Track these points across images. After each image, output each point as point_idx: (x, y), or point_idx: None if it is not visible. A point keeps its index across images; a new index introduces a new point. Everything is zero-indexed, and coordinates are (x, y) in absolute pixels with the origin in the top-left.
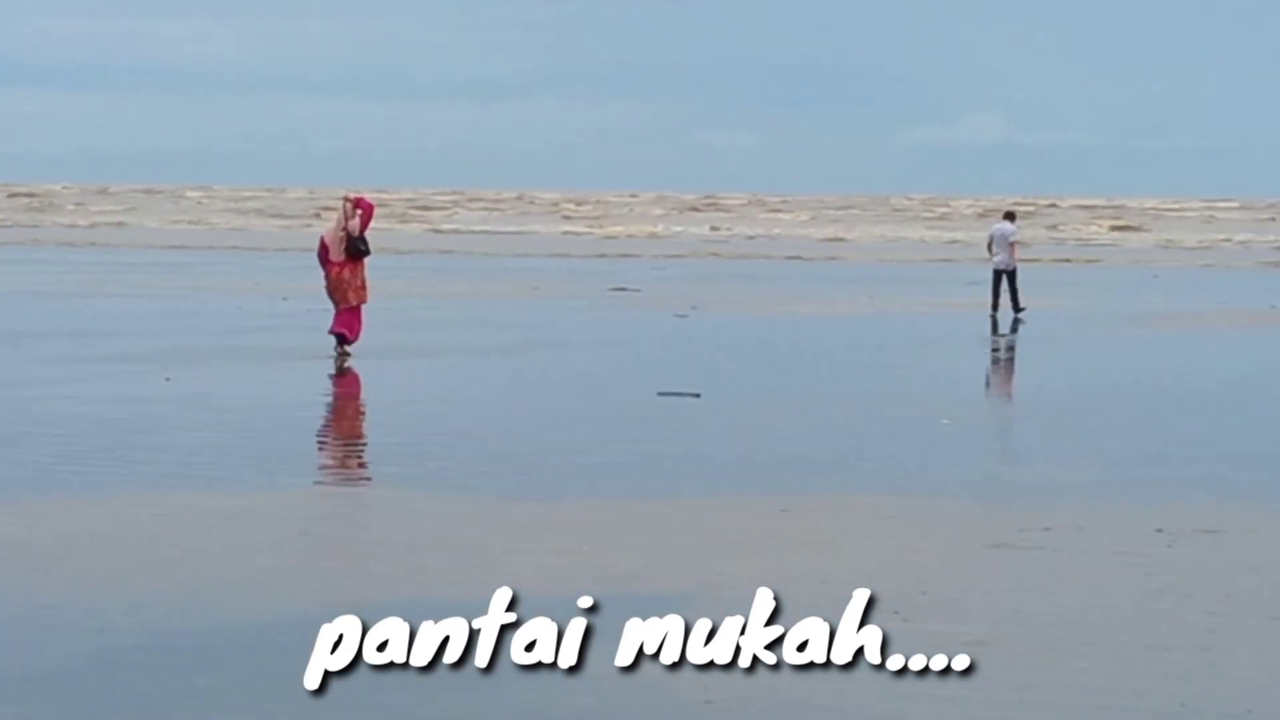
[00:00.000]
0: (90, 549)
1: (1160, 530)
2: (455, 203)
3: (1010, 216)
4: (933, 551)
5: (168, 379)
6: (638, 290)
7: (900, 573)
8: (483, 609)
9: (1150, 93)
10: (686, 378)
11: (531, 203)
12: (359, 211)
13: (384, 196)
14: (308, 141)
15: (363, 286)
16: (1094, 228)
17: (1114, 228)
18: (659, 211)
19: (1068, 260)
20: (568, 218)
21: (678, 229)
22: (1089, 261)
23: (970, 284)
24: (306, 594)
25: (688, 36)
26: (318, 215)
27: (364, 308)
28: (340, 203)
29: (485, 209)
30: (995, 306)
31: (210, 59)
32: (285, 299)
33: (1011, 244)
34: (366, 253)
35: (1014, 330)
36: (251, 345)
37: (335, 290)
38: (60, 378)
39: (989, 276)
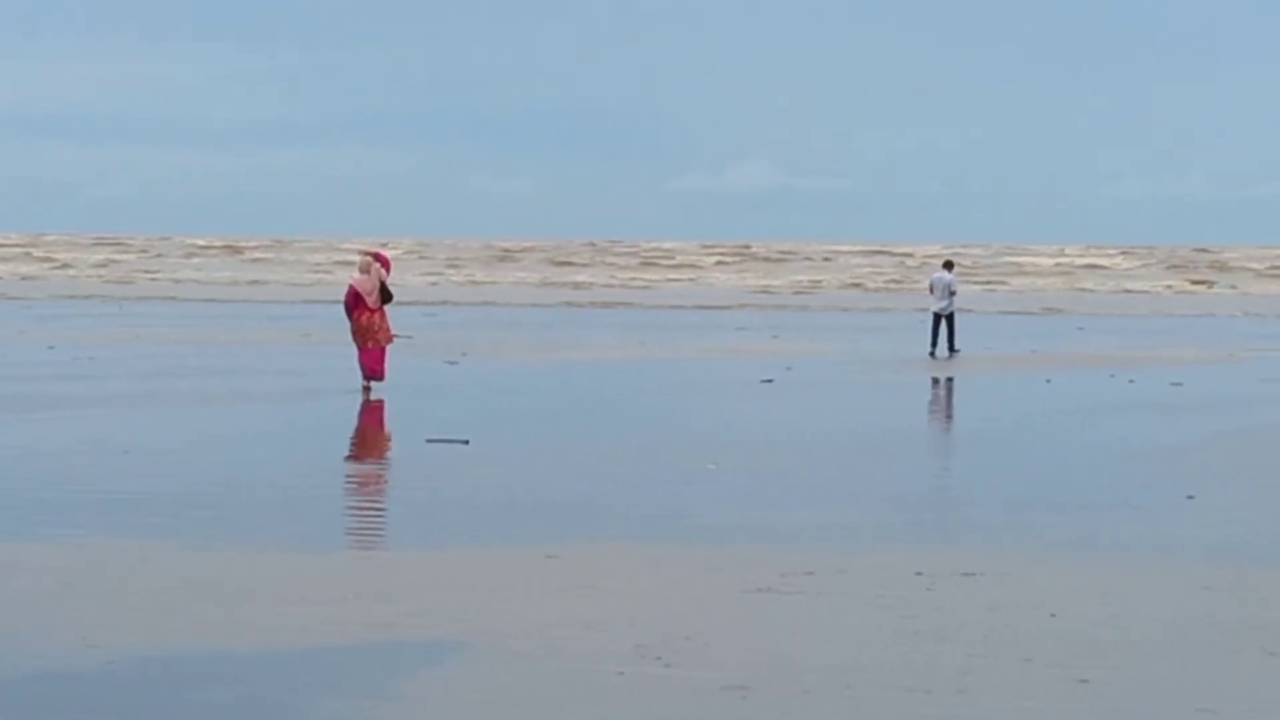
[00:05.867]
0: None
1: (920, 573)
2: (227, 248)
3: (949, 265)
4: (696, 596)
5: None
6: (409, 337)
7: (663, 618)
8: (245, 658)
9: (919, 139)
10: (456, 424)
11: (304, 249)
12: (378, 264)
13: (153, 243)
14: (75, 188)
15: (389, 329)
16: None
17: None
18: (422, 259)
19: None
20: (345, 264)
21: (447, 275)
22: (873, 310)
23: (739, 329)
24: (66, 647)
25: (455, 83)
26: (110, 263)
27: (389, 347)
28: (362, 257)
29: (256, 257)
30: (934, 345)
31: None
32: (51, 347)
33: (952, 292)
34: (391, 299)
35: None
36: (16, 393)
37: (364, 334)
38: None
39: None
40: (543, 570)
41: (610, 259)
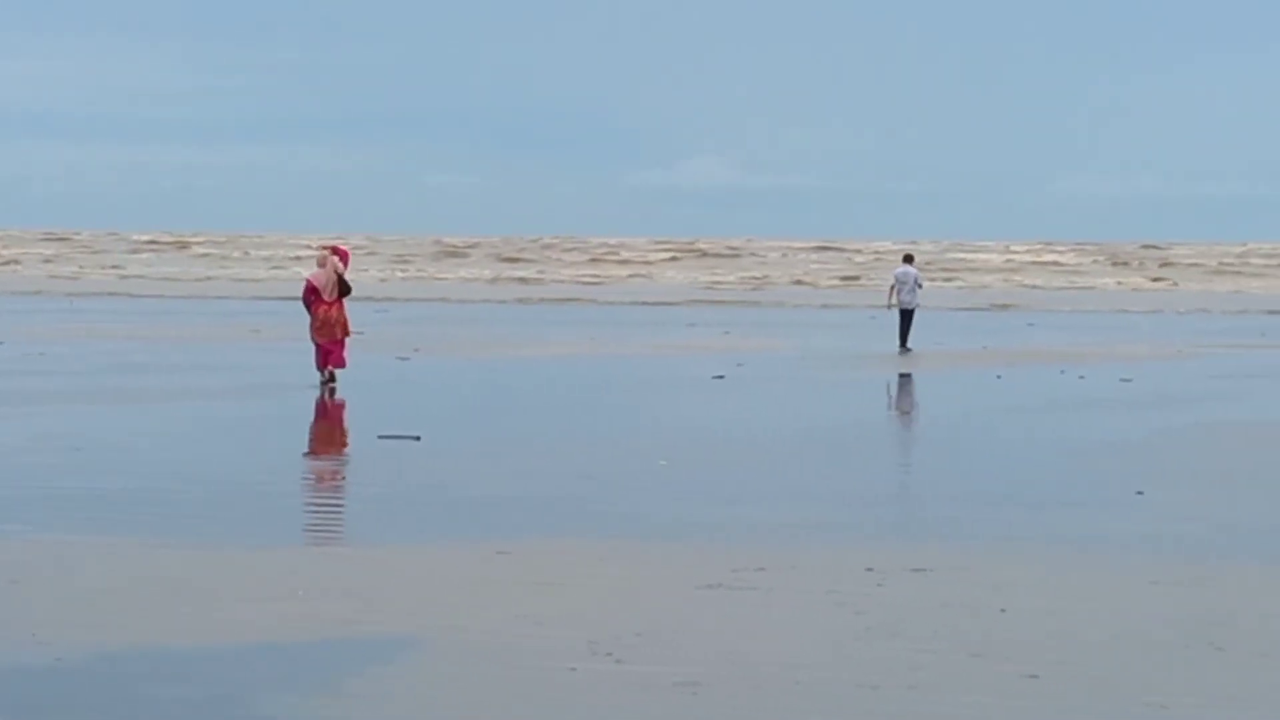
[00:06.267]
0: None
1: (871, 569)
2: (175, 244)
3: (909, 259)
4: (647, 593)
5: None
6: (360, 333)
7: (615, 614)
8: (196, 655)
9: (867, 138)
10: (408, 420)
11: (251, 244)
12: (336, 258)
13: (99, 239)
14: (26, 184)
15: (347, 322)
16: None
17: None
18: (371, 255)
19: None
20: (296, 260)
21: (396, 271)
22: (823, 306)
23: (689, 326)
24: (14, 643)
25: (404, 79)
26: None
27: (347, 340)
28: (319, 251)
29: (203, 253)
30: (903, 339)
31: None
32: (1, 343)
33: (919, 285)
34: (349, 292)
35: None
36: None
37: (323, 328)
38: None
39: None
40: (494, 566)
41: (558, 255)
